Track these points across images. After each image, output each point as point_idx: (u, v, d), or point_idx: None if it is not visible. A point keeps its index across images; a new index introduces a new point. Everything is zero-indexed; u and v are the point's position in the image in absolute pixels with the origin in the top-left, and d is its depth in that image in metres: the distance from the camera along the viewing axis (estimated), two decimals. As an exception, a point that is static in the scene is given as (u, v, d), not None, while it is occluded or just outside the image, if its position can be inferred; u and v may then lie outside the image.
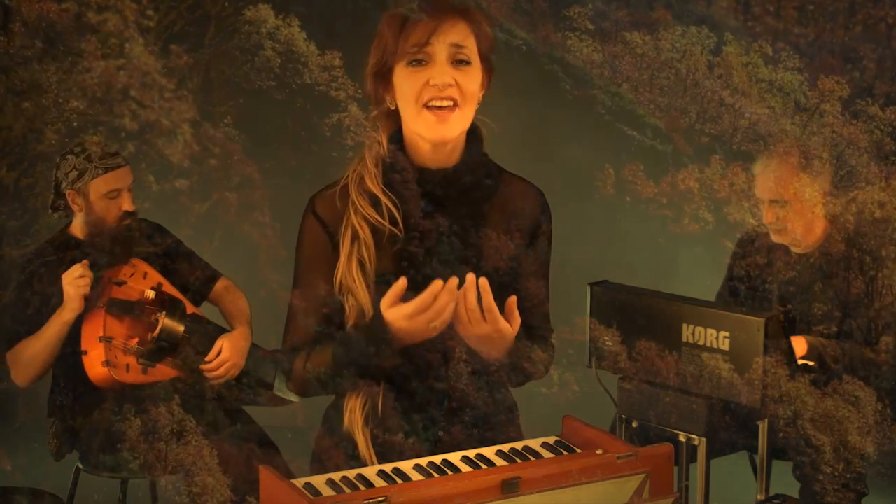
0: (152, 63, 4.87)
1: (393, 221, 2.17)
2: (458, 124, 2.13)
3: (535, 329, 2.41)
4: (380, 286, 2.17)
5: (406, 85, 2.11)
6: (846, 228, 3.81)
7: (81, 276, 3.15)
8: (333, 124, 5.79)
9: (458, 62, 2.11)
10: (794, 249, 3.69)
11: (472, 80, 2.12)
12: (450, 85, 2.09)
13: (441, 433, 2.27)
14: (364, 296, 2.17)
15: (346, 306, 2.22)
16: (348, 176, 2.24)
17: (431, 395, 2.31)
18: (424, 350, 2.24)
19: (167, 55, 5.29)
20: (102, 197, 3.33)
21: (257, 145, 5.57)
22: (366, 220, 2.17)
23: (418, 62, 2.13)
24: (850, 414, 3.06)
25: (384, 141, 2.21)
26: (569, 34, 5.75)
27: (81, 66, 5.07)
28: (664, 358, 2.79)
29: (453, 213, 2.24)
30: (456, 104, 2.11)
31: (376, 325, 2.12)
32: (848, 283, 3.69)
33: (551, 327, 2.46)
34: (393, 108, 2.22)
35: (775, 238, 3.66)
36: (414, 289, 2.12)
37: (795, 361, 2.93)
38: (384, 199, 2.17)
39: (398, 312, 2.09)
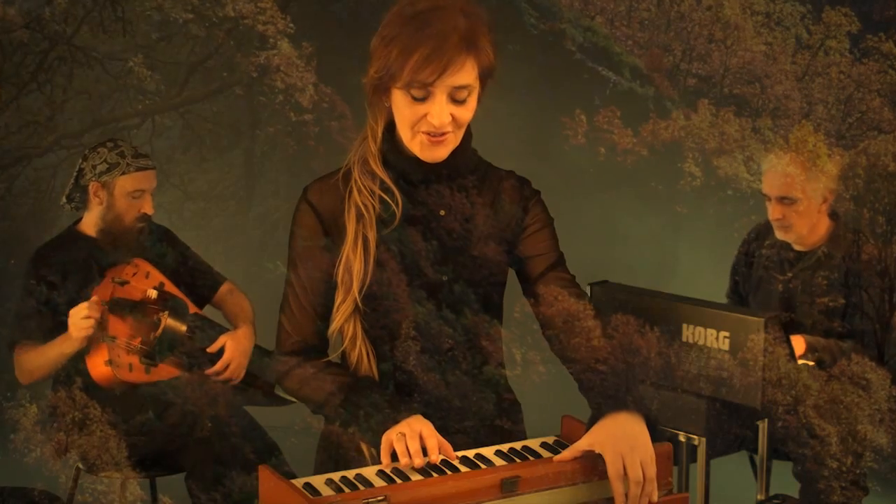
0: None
1: (394, 203, 2.35)
2: (451, 146, 2.35)
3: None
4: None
5: (404, 110, 2.30)
6: (856, 184, 3.80)
7: (86, 318, 3.34)
8: (261, 63, 5.69)
9: (458, 100, 2.30)
10: (796, 247, 3.79)
11: (469, 110, 2.33)
12: (447, 123, 2.30)
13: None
14: (359, 275, 2.33)
15: (340, 293, 2.36)
16: (350, 160, 2.40)
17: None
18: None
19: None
20: (127, 195, 3.57)
21: (171, 88, 5.46)
22: (370, 200, 2.35)
23: (418, 93, 2.30)
24: (859, 399, 3.07)
25: (379, 130, 2.38)
26: (534, -41, 5.70)
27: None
28: (644, 335, 2.71)
29: (441, 201, 2.40)
30: (450, 132, 2.33)
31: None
32: (858, 247, 3.68)
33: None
34: (388, 105, 2.38)
35: (779, 235, 3.77)
36: (406, 271, 2.33)
37: (795, 362, 2.98)
38: (387, 181, 2.36)
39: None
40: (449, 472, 2.09)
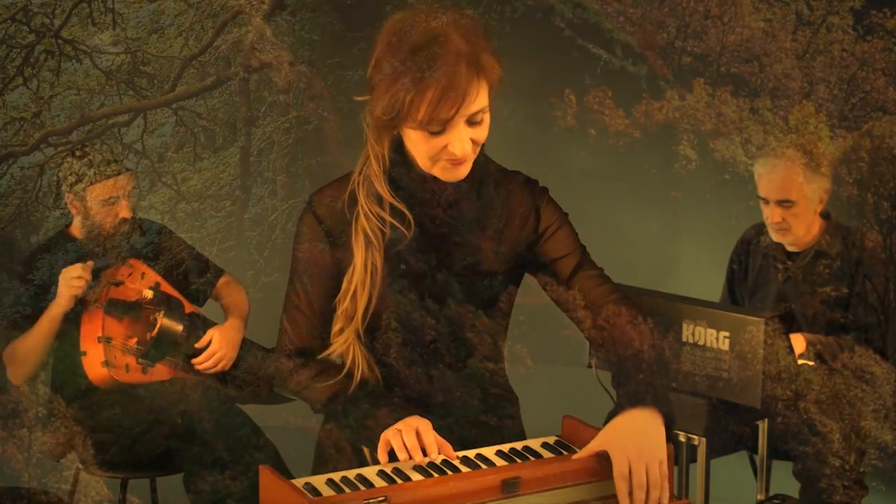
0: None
1: (403, 226, 2.37)
2: (472, 161, 2.36)
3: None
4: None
5: (422, 145, 2.30)
6: (859, 168, 3.87)
7: (78, 277, 3.47)
8: (234, 41, 5.63)
9: (475, 122, 2.32)
10: (790, 249, 3.85)
11: (486, 128, 2.35)
12: (469, 150, 2.31)
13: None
14: (363, 305, 2.36)
15: (339, 321, 2.39)
16: (354, 179, 2.41)
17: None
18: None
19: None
20: (100, 203, 3.63)
21: (164, 83, 5.37)
22: (379, 226, 2.36)
23: (435, 128, 2.29)
24: (863, 394, 3.13)
25: (384, 151, 2.38)
26: (520, -70, 5.67)
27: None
28: (637, 326, 2.77)
29: (455, 217, 2.41)
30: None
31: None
32: (861, 234, 3.70)
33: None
34: (396, 133, 2.37)
35: (776, 237, 3.84)
36: (413, 287, 2.37)
37: (795, 361, 3.06)
38: (396, 203, 2.36)
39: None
40: (449, 473, 2.16)
